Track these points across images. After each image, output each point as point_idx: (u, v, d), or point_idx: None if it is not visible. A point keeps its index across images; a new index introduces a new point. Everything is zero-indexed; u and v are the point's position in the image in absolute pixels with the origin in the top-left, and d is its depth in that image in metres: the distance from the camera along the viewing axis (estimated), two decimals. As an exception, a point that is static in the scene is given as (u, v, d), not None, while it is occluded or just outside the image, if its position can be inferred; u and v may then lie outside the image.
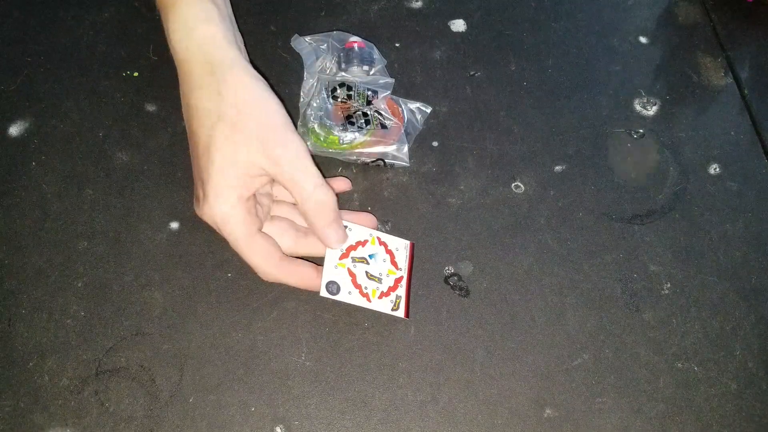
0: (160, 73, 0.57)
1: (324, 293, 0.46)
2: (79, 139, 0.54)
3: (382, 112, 0.53)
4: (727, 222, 0.54)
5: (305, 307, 0.49)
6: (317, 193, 0.44)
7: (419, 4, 0.63)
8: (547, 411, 0.46)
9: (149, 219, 0.51)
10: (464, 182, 0.54)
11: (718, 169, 0.56)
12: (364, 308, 0.47)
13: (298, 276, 0.46)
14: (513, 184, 0.55)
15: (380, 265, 0.48)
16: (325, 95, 0.53)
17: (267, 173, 0.44)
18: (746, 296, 0.51)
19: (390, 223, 0.52)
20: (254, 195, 0.46)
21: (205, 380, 0.46)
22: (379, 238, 0.49)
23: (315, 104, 0.53)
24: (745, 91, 0.60)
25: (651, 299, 0.50)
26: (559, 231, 0.53)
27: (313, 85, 0.54)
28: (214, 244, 0.50)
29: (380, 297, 0.47)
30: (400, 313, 0.47)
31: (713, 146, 0.57)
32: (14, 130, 0.54)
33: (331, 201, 0.45)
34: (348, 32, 0.57)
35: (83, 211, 0.51)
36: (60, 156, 0.53)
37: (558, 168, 0.56)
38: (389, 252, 0.48)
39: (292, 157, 0.44)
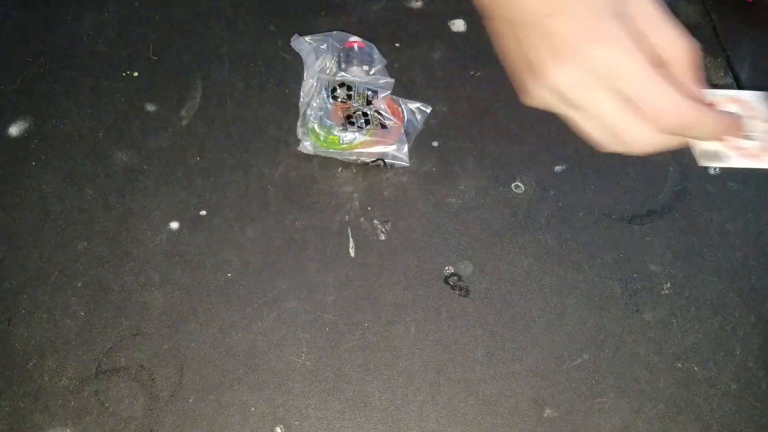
0: (160, 73, 0.57)
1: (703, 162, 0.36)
2: (79, 139, 0.54)
3: (382, 112, 0.53)
4: (727, 222, 0.54)
5: (305, 308, 0.49)
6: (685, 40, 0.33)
7: (419, 4, 0.63)
8: (547, 411, 0.46)
9: (149, 219, 0.51)
10: (464, 182, 0.54)
11: (718, 169, 0.56)
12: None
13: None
14: (513, 184, 0.55)
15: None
16: (325, 95, 0.53)
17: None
18: (746, 296, 0.51)
19: (390, 222, 0.52)
20: None
21: (205, 380, 0.46)
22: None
23: (315, 104, 0.53)
24: (745, 91, 0.60)
25: (651, 299, 0.50)
26: (559, 231, 0.53)
27: (313, 85, 0.54)
28: (214, 243, 0.50)
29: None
30: None
31: (713, 146, 0.57)
32: (14, 130, 0.54)
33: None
34: (348, 32, 0.57)
35: (83, 211, 0.51)
36: (60, 156, 0.53)
37: (558, 168, 0.56)
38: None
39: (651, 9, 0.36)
